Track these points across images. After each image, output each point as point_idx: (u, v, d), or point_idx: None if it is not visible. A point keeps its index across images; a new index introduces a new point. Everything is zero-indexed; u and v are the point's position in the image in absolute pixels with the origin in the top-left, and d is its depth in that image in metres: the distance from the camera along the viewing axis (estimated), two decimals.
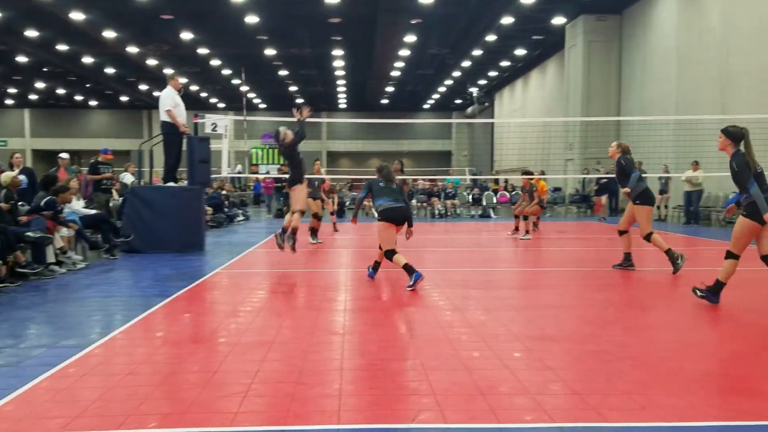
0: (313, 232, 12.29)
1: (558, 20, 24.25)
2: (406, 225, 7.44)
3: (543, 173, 19.92)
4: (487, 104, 42.80)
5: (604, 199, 20.07)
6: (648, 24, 21.23)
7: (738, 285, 7.84)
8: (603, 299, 6.87)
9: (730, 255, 6.03)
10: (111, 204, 12.28)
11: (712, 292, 6.16)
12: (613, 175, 20.10)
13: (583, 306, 6.53)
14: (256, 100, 45.68)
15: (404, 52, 29.25)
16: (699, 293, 6.27)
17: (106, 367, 4.30)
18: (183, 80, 33.89)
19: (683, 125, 16.97)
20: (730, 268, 6.03)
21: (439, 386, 3.84)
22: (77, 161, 39.01)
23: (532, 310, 6.29)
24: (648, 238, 8.43)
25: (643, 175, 9.17)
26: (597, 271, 9.06)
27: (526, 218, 13.18)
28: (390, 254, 7.26)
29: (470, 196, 22.90)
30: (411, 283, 6.96)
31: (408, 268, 7.03)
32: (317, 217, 12.44)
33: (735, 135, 6.01)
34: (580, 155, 23.31)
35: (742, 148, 5.99)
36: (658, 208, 18.67)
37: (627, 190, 8.48)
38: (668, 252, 8.31)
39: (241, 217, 18.98)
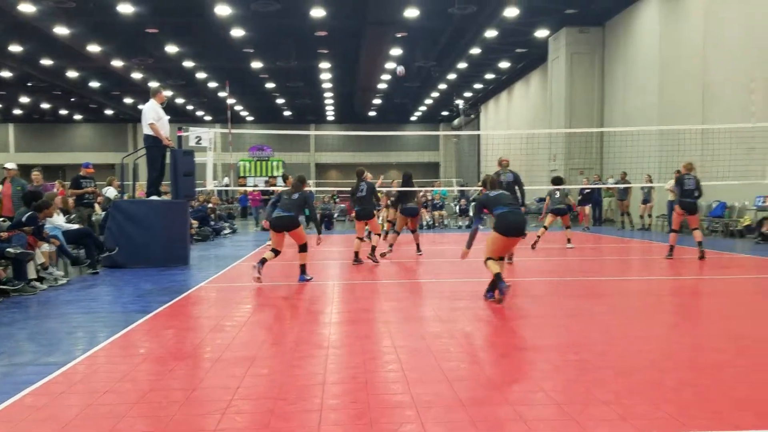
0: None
1: (541, 33, 24.50)
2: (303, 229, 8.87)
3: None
4: (473, 116, 43.06)
5: (587, 208, 20.21)
6: (630, 36, 21.50)
7: (714, 293, 7.94)
8: (585, 309, 6.90)
9: (491, 258, 7.04)
10: (94, 218, 12.19)
11: (490, 290, 7.10)
12: (597, 186, 20.35)
13: (565, 316, 6.55)
14: (244, 113, 45.65)
15: (390, 65, 29.39)
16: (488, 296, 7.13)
17: (86, 385, 4.26)
18: (168, 93, 33.99)
19: (666, 135, 17.17)
20: (496, 267, 6.96)
21: (421, 399, 3.85)
22: (62, 175, 38.76)
23: (516, 321, 6.32)
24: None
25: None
26: (580, 281, 9.12)
27: None
28: (272, 251, 8.71)
29: (457, 207, 22.99)
30: (257, 273, 8.53)
31: (261, 260, 8.62)
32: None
33: (484, 182, 7.52)
34: (564, 166, 23.48)
35: (491, 192, 7.30)
36: (642, 217, 18.88)
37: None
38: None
39: (227, 230, 18.90)
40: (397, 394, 3.96)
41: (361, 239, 11.23)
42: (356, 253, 10.98)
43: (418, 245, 12.45)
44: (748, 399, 3.81)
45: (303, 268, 8.94)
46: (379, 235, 11.26)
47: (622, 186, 19.06)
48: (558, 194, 14.14)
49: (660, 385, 4.08)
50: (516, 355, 4.96)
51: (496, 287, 6.92)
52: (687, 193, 11.02)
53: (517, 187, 10.98)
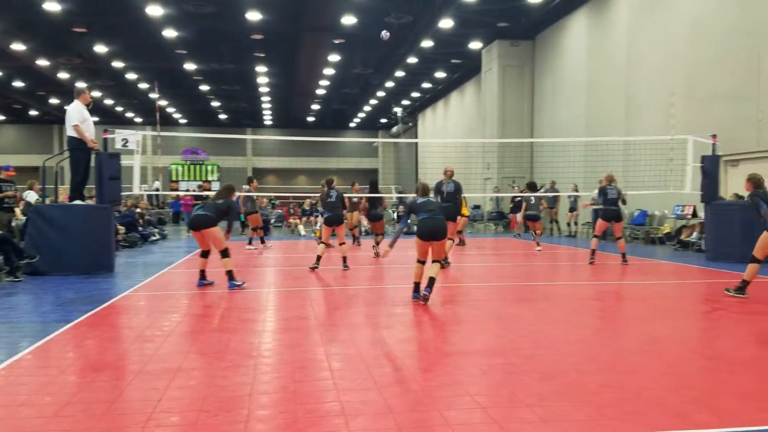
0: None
1: (475, 45, 25.02)
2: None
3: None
4: (411, 124, 43.50)
5: (519, 216, 20.72)
6: (559, 50, 22.25)
7: (636, 298, 8.28)
8: (514, 313, 7.07)
9: (419, 261, 7.51)
10: (13, 224, 11.60)
11: (415, 290, 7.58)
12: (527, 194, 20.94)
13: (495, 320, 6.69)
14: (176, 115, 44.48)
15: (329, 71, 29.35)
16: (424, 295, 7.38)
17: (1, 398, 4.04)
18: (97, 94, 32.75)
19: (591, 146, 17.84)
20: (418, 271, 7.53)
21: (350, 406, 3.84)
22: None
23: (448, 326, 6.41)
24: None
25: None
26: (510, 286, 9.33)
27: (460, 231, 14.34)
28: (201, 256, 9.01)
29: (395, 214, 23.11)
30: (199, 284, 8.90)
31: (200, 275, 8.96)
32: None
33: (417, 189, 7.89)
34: (497, 175, 24.02)
35: (419, 198, 7.64)
36: (568, 224, 19.53)
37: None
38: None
39: (156, 236, 18.33)
40: (326, 403, 3.94)
41: (327, 245, 11.36)
42: (318, 258, 10.81)
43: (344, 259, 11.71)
44: (665, 400, 3.98)
45: (230, 275, 8.69)
46: (343, 243, 11.24)
47: (550, 194, 19.67)
48: (533, 200, 14.55)
49: (582, 388, 4.22)
50: (446, 360, 5.02)
51: (417, 289, 7.54)
52: (611, 202, 11.60)
53: (457, 196, 11.21)
